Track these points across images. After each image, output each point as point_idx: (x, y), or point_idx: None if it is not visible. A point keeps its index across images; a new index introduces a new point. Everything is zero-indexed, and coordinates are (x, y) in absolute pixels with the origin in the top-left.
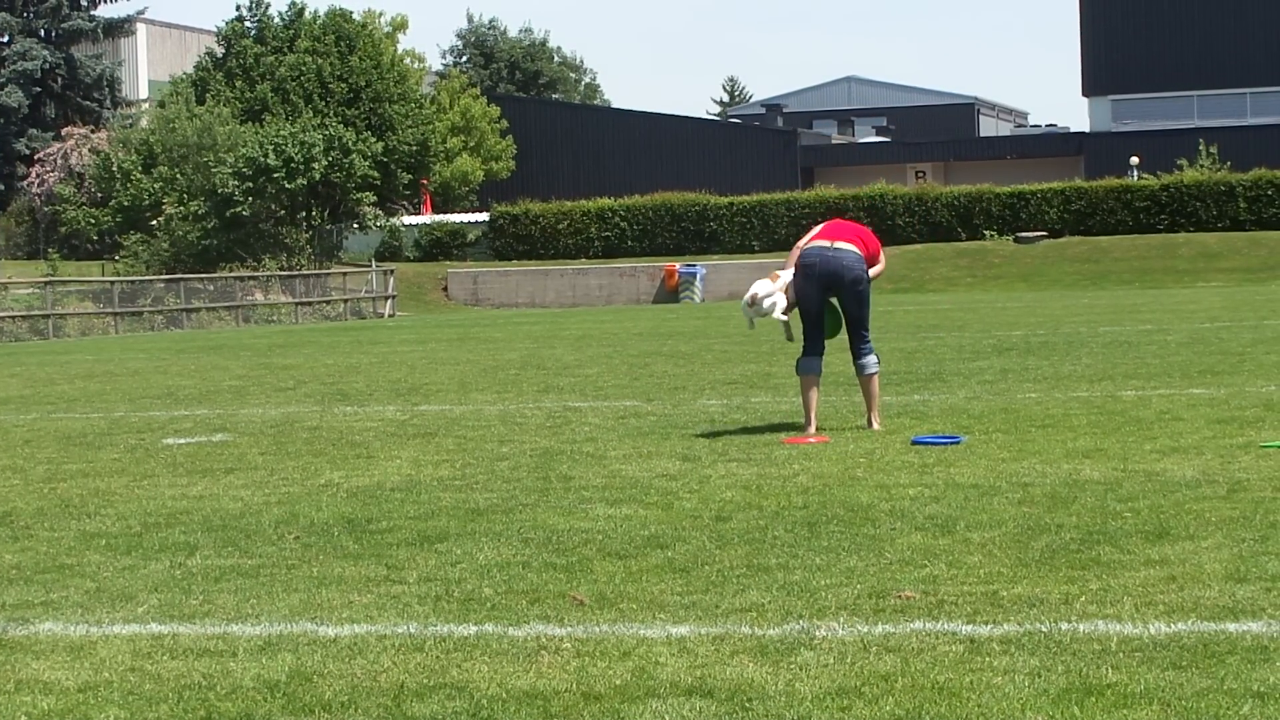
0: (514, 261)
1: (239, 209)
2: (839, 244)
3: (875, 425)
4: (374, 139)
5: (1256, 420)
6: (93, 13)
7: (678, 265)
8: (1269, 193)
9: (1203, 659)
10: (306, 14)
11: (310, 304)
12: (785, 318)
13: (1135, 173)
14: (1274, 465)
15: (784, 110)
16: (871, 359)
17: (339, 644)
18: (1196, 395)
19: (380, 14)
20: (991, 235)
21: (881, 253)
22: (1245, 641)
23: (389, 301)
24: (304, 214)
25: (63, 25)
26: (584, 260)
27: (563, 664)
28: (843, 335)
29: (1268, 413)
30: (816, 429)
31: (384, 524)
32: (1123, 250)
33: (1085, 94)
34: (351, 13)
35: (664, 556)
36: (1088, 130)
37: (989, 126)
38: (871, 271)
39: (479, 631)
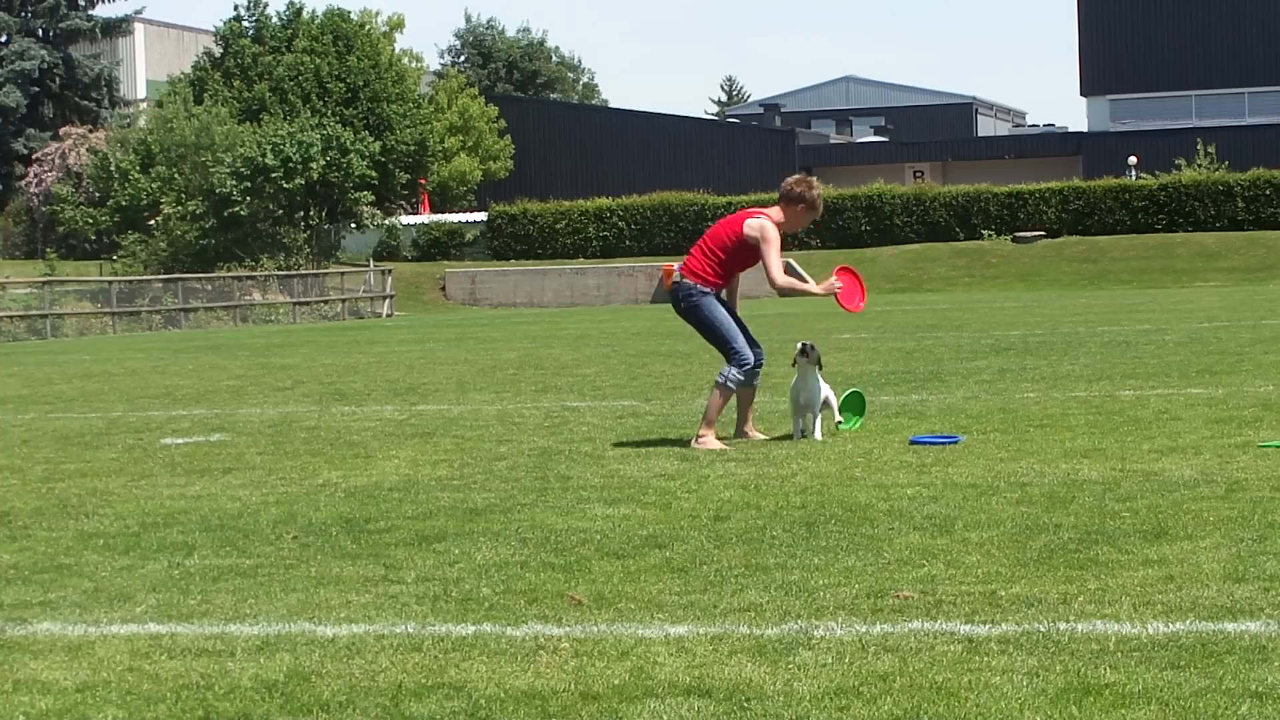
0: (512, 261)
1: (237, 209)
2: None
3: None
4: (372, 139)
5: (1255, 420)
6: (90, 12)
7: (675, 265)
8: (1267, 192)
9: (1201, 659)
10: (304, 14)
11: (308, 304)
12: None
13: (1133, 172)
14: (1272, 465)
15: (782, 110)
16: (720, 371)
17: (337, 644)
18: (1194, 395)
19: (377, 13)
20: (989, 235)
21: (749, 227)
22: (1243, 641)
23: (387, 301)
24: (302, 214)
25: (60, 25)
26: (582, 260)
27: (561, 664)
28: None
29: (1266, 412)
30: (742, 433)
31: (382, 524)
32: (1121, 250)
33: (1083, 94)
34: (349, 12)
35: (662, 556)
36: (1086, 130)
37: (987, 126)
38: (769, 268)
39: (477, 631)
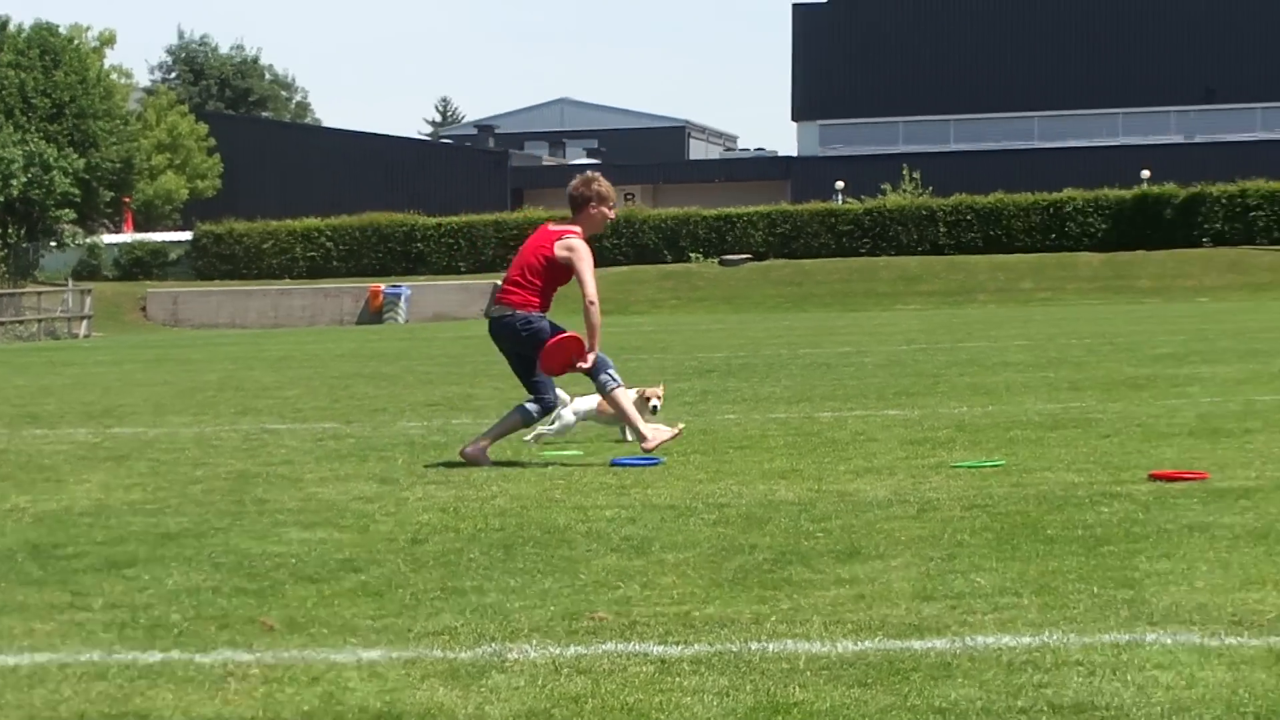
0: (216, 281)
1: None
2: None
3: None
4: (76, 155)
5: (948, 441)
6: None
7: (383, 286)
8: (968, 217)
9: (888, 676)
10: (10, 27)
11: (2, 324)
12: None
13: (840, 196)
14: (963, 485)
15: (496, 131)
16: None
17: (18, 673)
18: (891, 416)
19: (88, 28)
20: (697, 257)
21: (558, 249)
22: (929, 658)
23: (84, 322)
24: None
25: None
26: (288, 280)
27: (249, 690)
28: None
29: (959, 433)
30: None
31: (70, 549)
32: (825, 273)
33: (794, 119)
34: (58, 26)
35: (358, 580)
36: (795, 154)
37: (699, 150)
38: (585, 285)
39: (164, 659)
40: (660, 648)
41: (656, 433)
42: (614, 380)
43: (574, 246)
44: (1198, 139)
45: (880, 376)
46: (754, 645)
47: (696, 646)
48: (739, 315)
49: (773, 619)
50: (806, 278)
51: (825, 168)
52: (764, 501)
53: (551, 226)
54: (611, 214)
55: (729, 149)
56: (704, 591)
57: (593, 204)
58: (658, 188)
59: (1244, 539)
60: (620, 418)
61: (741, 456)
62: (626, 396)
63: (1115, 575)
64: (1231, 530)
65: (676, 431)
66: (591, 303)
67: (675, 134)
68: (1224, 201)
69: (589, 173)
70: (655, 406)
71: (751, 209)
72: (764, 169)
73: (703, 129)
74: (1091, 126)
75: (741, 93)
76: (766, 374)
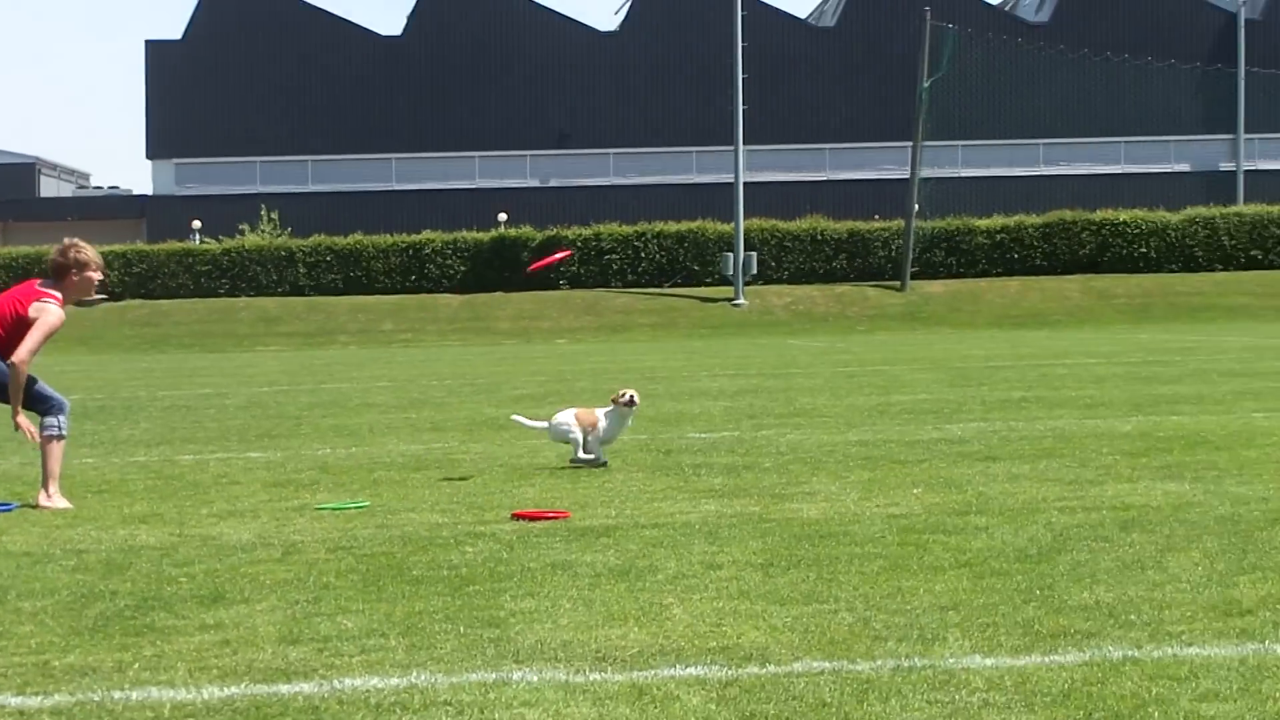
0: None
1: None
2: None
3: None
4: None
5: (312, 483)
6: None
7: None
8: (327, 258)
9: None
10: None
11: None
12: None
13: (197, 236)
14: (328, 527)
15: None
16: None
17: None
18: (253, 459)
19: None
20: None
21: (33, 309)
22: (297, 703)
23: None
24: None
25: None
26: None
27: None
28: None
29: (323, 475)
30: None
31: None
32: (183, 314)
33: (149, 156)
34: None
35: None
36: (151, 193)
37: (50, 187)
38: (25, 344)
39: None
40: (19, 699)
41: (56, 500)
42: (59, 429)
43: (46, 310)
44: (553, 183)
45: (241, 418)
46: (117, 694)
47: (57, 697)
48: (95, 356)
49: (136, 666)
50: (164, 318)
51: (182, 207)
52: (124, 547)
53: (39, 285)
54: (97, 276)
55: (82, 186)
56: (64, 640)
57: (73, 271)
58: (8, 226)
59: (605, 576)
60: (45, 465)
61: (100, 501)
62: (60, 450)
63: (481, 614)
64: (593, 568)
65: (70, 506)
66: (20, 361)
67: (25, 171)
68: (579, 244)
69: (68, 239)
70: (630, 398)
71: (106, 248)
72: (118, 207)
73: (54, 166)
74: (449, 169)
75: (95, 129)
76: (125, 416)
